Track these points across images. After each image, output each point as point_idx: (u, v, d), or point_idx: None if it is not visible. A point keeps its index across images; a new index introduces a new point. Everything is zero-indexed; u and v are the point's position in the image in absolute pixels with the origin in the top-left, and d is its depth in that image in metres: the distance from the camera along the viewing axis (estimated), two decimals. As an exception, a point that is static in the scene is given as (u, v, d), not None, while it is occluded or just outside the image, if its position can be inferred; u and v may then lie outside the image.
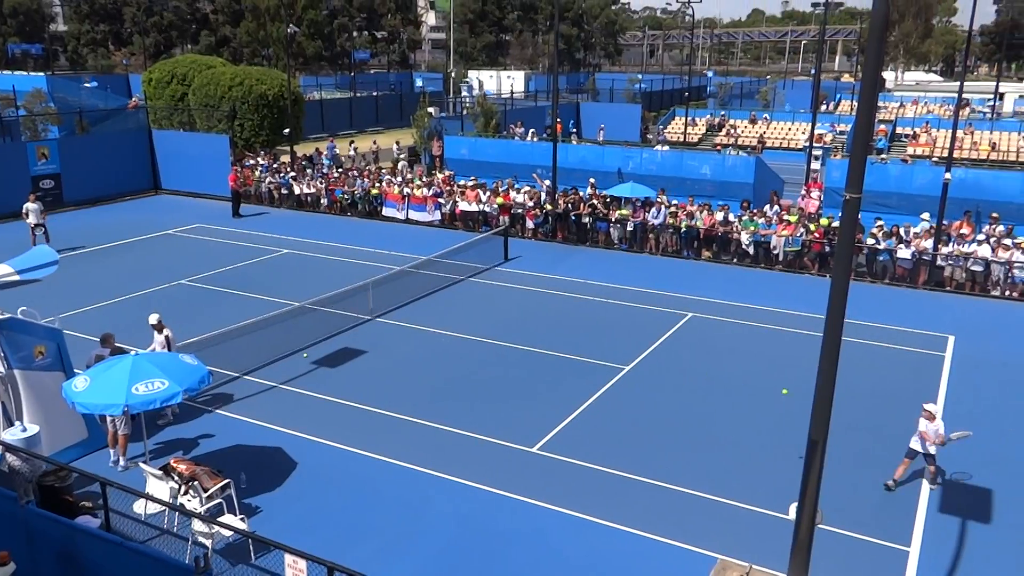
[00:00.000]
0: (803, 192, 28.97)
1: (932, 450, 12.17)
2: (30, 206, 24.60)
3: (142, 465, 11.59)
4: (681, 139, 51.84)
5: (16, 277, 12.76)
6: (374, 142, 43.26)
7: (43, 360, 12.45)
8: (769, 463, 12.93)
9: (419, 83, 73.91)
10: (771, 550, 10.39)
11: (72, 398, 11.10)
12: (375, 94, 63.81)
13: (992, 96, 59.20)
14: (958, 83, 27.87)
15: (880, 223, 23.08)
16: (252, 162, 34.08)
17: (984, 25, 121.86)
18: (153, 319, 14.46)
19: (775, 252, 23.85)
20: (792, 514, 9.26)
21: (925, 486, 12.39)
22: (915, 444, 12.27)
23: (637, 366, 16.76)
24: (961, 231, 22.76)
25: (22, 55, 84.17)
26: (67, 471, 10.71)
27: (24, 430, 11.55)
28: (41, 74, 61.83)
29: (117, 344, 13.64)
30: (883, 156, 39.83)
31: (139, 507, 11.20)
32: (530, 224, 27.40)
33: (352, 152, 40.12)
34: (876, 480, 12.51)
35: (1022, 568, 10.56)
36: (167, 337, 14.32)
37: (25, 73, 64.36)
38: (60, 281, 16.27)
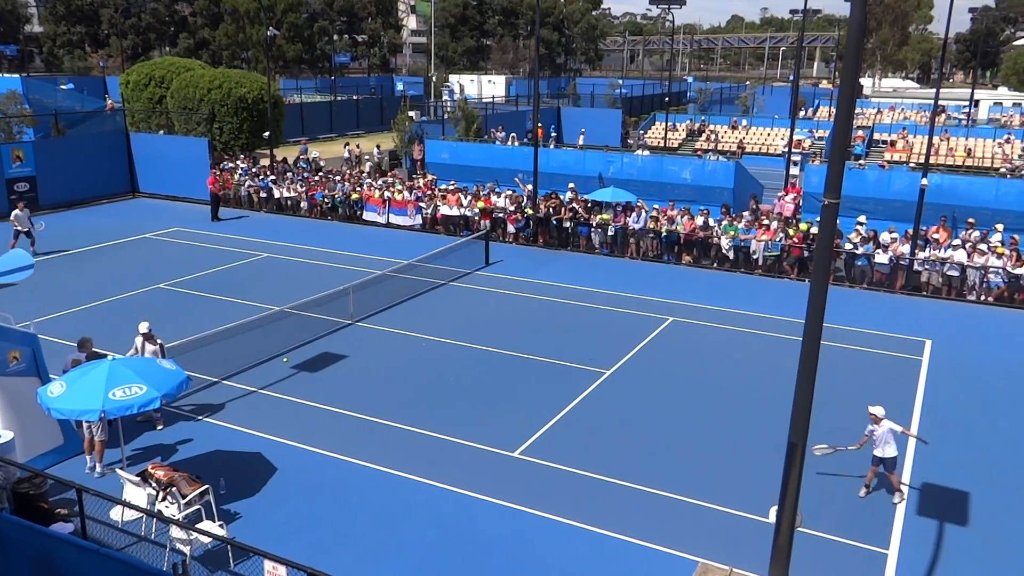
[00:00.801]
0: (780, 194, 29.26)
1: (889, 453, 12.07)
2: (17, 214, 24.41)
3: (119, 471, 11.46)
4: (661, 144, 52.11)
5: (-10, 281, 12.60)
6: (357, 146, 43.00)
7: (17, 365, 12.29)
8: (749, 467, 13.00)
9: (400, 87, 73.70)
10: (751, 553, 10.44)
11: (48, 404, 10.94)
12: (356, 98, 63.64)
13: (967, 103, 60.06)
14: (934, 90, 28.22)
15: (862, 220, 23.29)
16: (231, 165, 33.84)
17: (959, 33, 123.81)
18: (143, 327, 14.01)
19: (755, 257, 24.01)
20: (772, 517, 9.32)
21: (903, 490, 12.48)
22: (877, 452, 12.17)
23: (618, 370, 16.80)
24: (935, 236, 23.02)
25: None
26: (42, 478, 10.59)
27: (-2, 436, 11.40)
28: (16, 75, 61.02)
29: (94, 349, 13.48)
30: (861, 162, 40.24)
31: (116, 514, 11.07)
32: (511, 228, 27.42)
33: (347, 154, 39.85)
34: (854, 483, 12.60)
35: (998, 569, 10.68)
36: (161, 346, 14.06)
37: None
38: (36, 285, 16.09)
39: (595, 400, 15.42)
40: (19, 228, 24.33)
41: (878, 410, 12.23)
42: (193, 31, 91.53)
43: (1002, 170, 41.05)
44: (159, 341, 14.13)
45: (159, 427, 13.94)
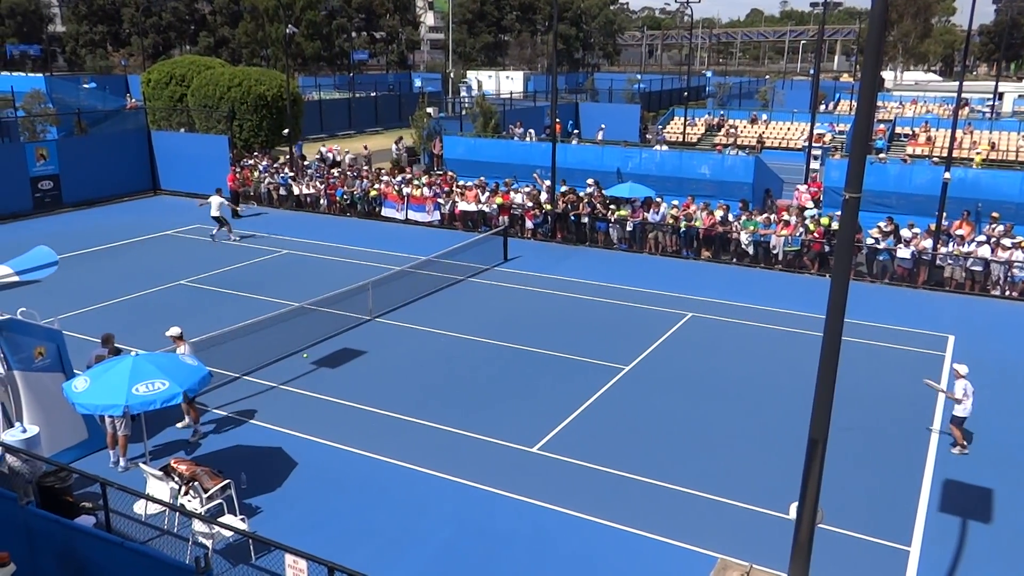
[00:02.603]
0: (798, 186, 29.14)
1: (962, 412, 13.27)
2: (213, 199, 26.27)
3: (142, 466, 11.59)
4: (680, 139, 51.86)
5: (15, 278, 12.75)
6: (365, 147, 42.61)
7: (43, 361, 12.45)
8: (769, 463, 12.94)
9: (418, 83, 73.92)
10: (771, 550, 10.39)
11: (73, 398, 11.10)
12: (374, 95, 63.85)
13: (991, 96, 59.28)
14: (957, 83, 27.87)
15: (883, 222, 23.04)
16: (251, 162, 34.04)
17: (983, 25, 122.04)
18: (174, 332, 13.80)
19: (774, 252, 23.86)
20: (792, 514, 9.25)
21: (925, 484, 12.40)
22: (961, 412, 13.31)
23: (637, 366, 16.76)
24: (959, 231, 22.77)
25: (20, 56, 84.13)
26: (67, 472, 10.72)
27: (24, 431, 11.55)
28: (39, 75, 61.81)
29: (116, 345, 13.62)
30: (882, 156, 39.83)
31: (139, 508, 11.20)
32: (529, 224, 27.41)
33: (395, 149, 39.97)
34: (876, 480, 12.52)
35: (1022, 568, 10.56)
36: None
37: (23, 74, 64.35)
38: (59, 282, 16.26)
39: (614, 396, 15.39)
40: (215, 214, 26.13)
41: (962, 368, 13.52)
42: (213, 29, 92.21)
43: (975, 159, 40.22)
44: (185, 346, 13.93)
45: (187, 425, 13.82)
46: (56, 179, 30.56)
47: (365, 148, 41.01)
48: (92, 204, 31.71)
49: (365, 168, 33.68)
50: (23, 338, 12.23)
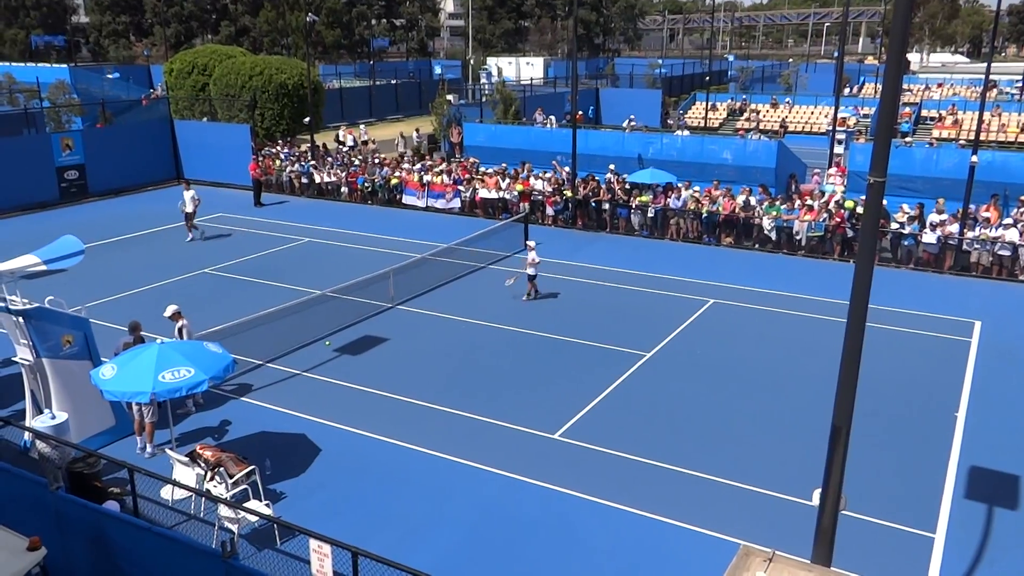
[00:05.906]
0: (816, 170, 28.86)
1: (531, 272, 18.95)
2: (185, 194, 25.16)
3: (168, 452, 11.75)
4: (702, 124, 51.39)
5: (43, 267, 12.93)
6: (373, 140, 42.24)
7: (71, 349, 12.63)
8: (792, 449, 12.87)
9: (438, 70, 73.78)
10: (795, 536, 10.34)
11: (100, 386, 11.25)
12: (394, 82, 63.81)
13: (1020, 77, 58.17)
14: (985, 64, 27.37)
15: (907, 207, 22.72)
16: (273, 151, 34.19)
17: (1012, 4, 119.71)
18: (171, 310, 14.29)
19: (797, 237, 23.64)
20: (815, 500, 9.21)
21: (950, 471, 12.29)
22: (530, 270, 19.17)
23: (658, 353, 16.72)
24: (986, 215, 22.42)
25: (45, 47, 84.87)
26: (96, 458, 10.88)
27: (53, 417, 11.76)
28: (64, 66, 62.34)
29: (142, 333, 13.78)
30: (908, 139, 39.27)
31: (166, 493, 11.37)
32: (550, 211, 27.34)
33: (416, 136, 39.96)
34: (901, 466, 12.41)
35: (1050, 555, 10.45)
36: (182, 327, 14.24)
37: (48, 65, 64.92)
38: (86, 271, 16.45)
39: (635, 382, 15.37)
40: (188, 210, 25.05)
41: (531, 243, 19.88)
42: (234, 18, 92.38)
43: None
44: (182, 322, 14.20)
45: (191, 409, 14.15)
46: (81, 169, 30.88)
47: (373, 142, 40.91)
48: (117, 193, 32.03)
49: (384, 156, 33.70)
50: (51, 326, 12.41)
